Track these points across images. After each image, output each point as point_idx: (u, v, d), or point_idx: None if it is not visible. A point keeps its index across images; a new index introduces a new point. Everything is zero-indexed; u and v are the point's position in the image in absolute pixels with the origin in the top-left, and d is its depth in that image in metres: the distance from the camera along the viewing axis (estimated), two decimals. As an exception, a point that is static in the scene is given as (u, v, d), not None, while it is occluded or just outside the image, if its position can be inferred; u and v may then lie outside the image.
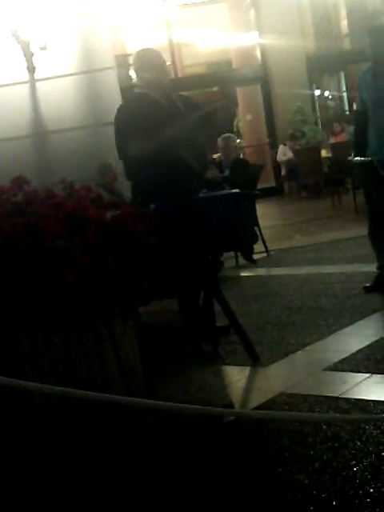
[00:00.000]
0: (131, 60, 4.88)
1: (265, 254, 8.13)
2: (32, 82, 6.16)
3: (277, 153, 16.36)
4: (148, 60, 4.64)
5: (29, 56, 6.05)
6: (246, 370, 4.09)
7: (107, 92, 6.19)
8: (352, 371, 3.75)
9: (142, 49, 4.80)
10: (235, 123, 18.67)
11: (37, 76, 6.16)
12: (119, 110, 4.65)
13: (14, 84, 6.08)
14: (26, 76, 6.13)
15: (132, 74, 4.83)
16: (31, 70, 6.11)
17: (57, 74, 6.16)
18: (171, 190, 4.32)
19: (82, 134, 6.16)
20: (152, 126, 4.35)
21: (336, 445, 2.88)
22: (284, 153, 15.60)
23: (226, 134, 8.54)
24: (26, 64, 6.08)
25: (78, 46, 6.26)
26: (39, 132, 6.21)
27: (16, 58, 6.05)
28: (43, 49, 6.04)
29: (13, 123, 6.05)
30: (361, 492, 2.50)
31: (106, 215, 3.15)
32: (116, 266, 2.95)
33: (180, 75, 17.21)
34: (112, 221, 3.12)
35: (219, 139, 8.38)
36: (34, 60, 6.09)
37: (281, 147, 15.90)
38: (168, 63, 5.08)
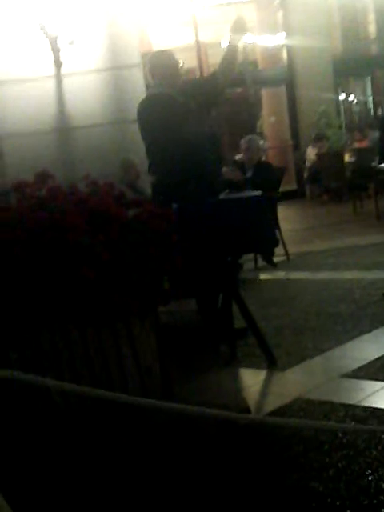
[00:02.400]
0: (146, 62, 4.93)
1: (285, 258, 8.10)
2: (58, 77, 6.17)
3: (301, 155, 16.30)
4: (161, 61, 4.70)
5: (56, 51, 6.06)
6: (263, 374, 4.08)
7: (133, 89, 6.18)
8: (370, 379, 3.73)
9: (156, 51, 4.88)
10: (259, 124, 18.62)
11: (63, 71, 6.17)
12: (137, 109, 4.72)
13: (41, 78, 6.09)
14: (52, 71, 6.14)
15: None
16: (58, 64, 6.12)
17: (83, 70, 6.17)
18: (191, 183, 4.36)
19: (106, 131, 6.16)
20: (168, 124, 4.40)
21: (351, 453, 2.87)
22: (313, 154, 15.52)
23: (250, 136, 8.52)
24: (53, 59, 6.10)
25: (105, 42, 6.26)
26: (64, 127, 6.22)
27: (43, 52, 6.06)
28: (70, 44, 6.05)
29: (38, 118, 6.06)
30: (375, 501, 2.48)
31: (129, 213, 3.14)
32: (137, 265, 2.94)
33: (206, 75, 17.20)
34: (134, 219, 3.12)
35: (242, 141, 8.37)
36: (61, 55, 6.11)
37: (309, 148, 15.82)
38: (194, 63, 5.12)
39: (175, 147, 4.43)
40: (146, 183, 5.81)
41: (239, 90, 17.63)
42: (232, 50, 4.66)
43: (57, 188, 3.12)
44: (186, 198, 4.24)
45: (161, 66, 4.67)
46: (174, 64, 4.70)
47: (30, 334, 2.78)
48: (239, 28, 4.61)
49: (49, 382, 2.21)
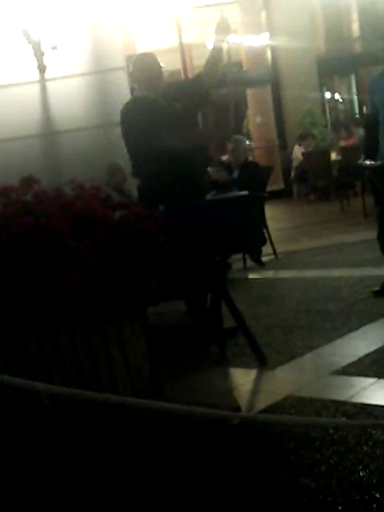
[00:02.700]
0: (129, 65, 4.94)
1: (273, 257, 8.12)
2: (42, 82, 6.17)
3: (287, 154, 16.34)
4: (143, 64, 4.70)
5: (39, 55, 6.06)
6: (253, 373, 4.08)
7: (117, 92, 6.19)
8: (359, 375, 3.74)
9: (139, 54, 4.89)
10: (245, 124, 18.65)
11: (47, 76, 6.17)
12: (121, 112, 4.72)
13: (25, 83, 6.09)
14: (36, 75, 6.14)
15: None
16: (42, 69, 6.12)
17: (67, 74, 6.17)
18: (177, 185, 4.37)
19: (91, 134, 6.17)
20: (152, 127, 4.41)
21: (342, 449, 2.87)
22: (300, 152, 15.54)
23: (236, 136, 8.53)
24: (36, 63, 6.09)
25: (88, 46, 6.26)
26: (49, 132, 6.22)
27: (27, 57, 6.06)
28: (54, 48, 6.05)
29: (23, 123, 6.06)
30: (367, 497, 2.49)
31: (115, 215, 3.15)
32: (124, 267, 2.94)
33: (190, 76, 17.22)
34: (121, 221, 3.12)
35: (229, 141, 8.39)
36: (45, 59, 6.10)
37: (296, 147, 15.85)
38: (179, 65, 5.16)
39: (160, 150, 4.44)
40: (133, 186, 5.81)
41: (224, 91, 17.65)
42: (216, 52, 4.68)
43: (42, 192, 3.12)
44: (172, 200, 4.25)
45: (144, 69, 4.68)
46: (157, 67, 4.71)
47: (18, 338, 2.78)
48: (223, 29, 4.63)
49: (38, 386, 2.21)
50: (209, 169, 7.11)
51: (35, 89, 6.18)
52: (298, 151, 15.65)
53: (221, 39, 4.67)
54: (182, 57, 16.49)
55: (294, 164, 15.68)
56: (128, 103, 4.80)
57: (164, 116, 4.49)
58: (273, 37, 16.94)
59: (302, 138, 15.76)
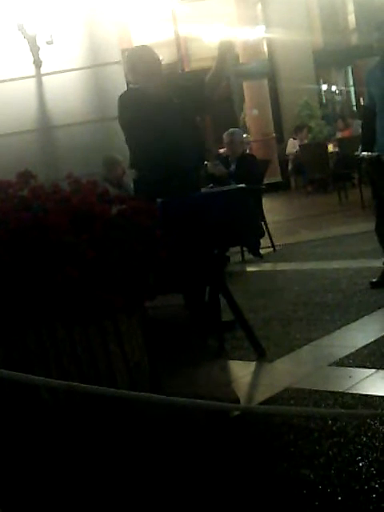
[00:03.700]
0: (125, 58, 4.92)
1: (271, 249, 8.13)
2: (38, 77, 6.17)
3: (284, 147, 16.32)
4: (140, 57, 4.67)
5: (35, 50, 6.05)
6: (252, 365, 4.09)
7: (113, 86, 6.17)
8: (358, 366, 3.76)
9: (135, 47, 4.87)
10: (242, 117, 18.63)
11: (43, 70, 6.16)
12: (118, 103, 4.71)
13: (21, 78, 6.08)
14: (32, 70, 6.13)
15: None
16: (38, 64, 6.11)
17: (63, 69, 6.16)
18: (174, 179, 4.37)
19: (88, 129, 6.16)
20: (146, 119, 4.40)
21: (341, 440, 2.89)
22: (294, 146, 15.54)
23: (232, 129, 8.52)
24: (32, 58, 6.08)
25: (84, 40, 6.25)
26: (45, 126, 6.21)
27: (22, 52, 6.05)
28: (50, 43, 6.04)
29: (19, 118, 6.05)
30: (366, 487, 2.50)
31: (112, 210, 3.14)
32: (121, 261, 2.94)
33: (187, 70, 17.19)
34: (118, 215, 3.12)
35: (225, 134, 8.37)
36: (41, 54, 6.09)
37: (290, 141, 15.84)
38: (175, 58, 5.14)
39: (157, 143, 4.43)
40: (131, 180, 5.82)
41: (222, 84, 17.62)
42: (220, 69, 4.67)
43: (39, 187, 3.12)
44: (167, 194, 4.24)
45: (140, 62, 4.65)
46: (154, 59, 4.69)
47: (16, 333, 2.79)
48: (227, 49, 4.64)
49: (36, 379, 2.21)
50: (206, 162, 7.12)
51: (31, 84, 6.17)
52: (291, 145, 15.64)
53: (224, 58, 4.68)
54: (178, 50, 16.48)
55: (290, 157, 15.67)
56: (125, 94, 4.79)
57: (160, 108, 4.48)
58: (269, 29, 16.92)
59: (298, 130, 15.76)
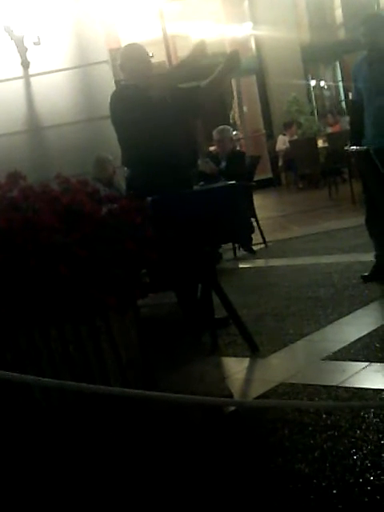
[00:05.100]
0: (116, 56, 4.91)
1: (263, 245, 8.14)
2: (26, 78, 6.16)
3: (274, 143, 16.33)
4: (131, 54, 4.67)
5: (23, 51, 6.05)
6: (246, 361, 4.09)
7: (102, 86, 6.18)
8: (351, 360, 3.76)
9: (126, 45, 4.86)
10: (231, 114, 18.63)
11: (31, 71, 6.16)
12: (109, 101, 4.71)
13: (9, 80, 6.08)
14: (20, 71, 6.13)
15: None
16: (25, 65, 6.11)
17: (51, 69, 6.17)
18: (163, 176, 4.37)
19: (77, 129, 6.16)
20: (138, 116, 4.40)
21: (336, 434, 2.89)
22: (283, 142, 15.55)
23: (222, 127, 8.52)
24: (20, 59, 6.08)
25: (71, 40, 6.26)
26: (34, 127, 6.21)
27: (10, 53, 6.05)
28: (37, 44, 6.04)
29: (8, 119, 6.05)
30: (361, 480, 2.51)
31: (103, 209, 3.15)
32: (113, 260, 2.95)
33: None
34: (108, 214, 3.13)
35: (215, 132, 8.37)
36: (28, 55, 6.09)
37: (280, 137, 15.86)
38: (163, 57, 5.13)
39: (149, 140, 4.43)
40: (121, 179, 5.82)
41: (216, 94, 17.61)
42: (220, 81, 4.68)
43: (28, 188, 3.12)
44: (160, 191, 4.24)
45: (132, 59, 4.65)
46: (145, 57, 4.68)
47: (9, 334, 2.79)
48: (233, 65, 4.65)
49: (29, 379, 2.22)
50: (198, 160, 7.13)
51: (19, 85, 6.17)
52: (281, 141, 15.65)
53: (228, 73, 4.69)
54: (167, 48, 16.45)
55: (281, 153, 15.68)
56: (115, 92, 4.78)
57: (152, 106, 4.47)
58: (256, 26, 16.91)
59: (287, 126, 15.77)
